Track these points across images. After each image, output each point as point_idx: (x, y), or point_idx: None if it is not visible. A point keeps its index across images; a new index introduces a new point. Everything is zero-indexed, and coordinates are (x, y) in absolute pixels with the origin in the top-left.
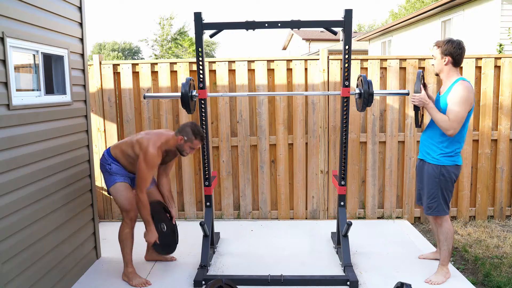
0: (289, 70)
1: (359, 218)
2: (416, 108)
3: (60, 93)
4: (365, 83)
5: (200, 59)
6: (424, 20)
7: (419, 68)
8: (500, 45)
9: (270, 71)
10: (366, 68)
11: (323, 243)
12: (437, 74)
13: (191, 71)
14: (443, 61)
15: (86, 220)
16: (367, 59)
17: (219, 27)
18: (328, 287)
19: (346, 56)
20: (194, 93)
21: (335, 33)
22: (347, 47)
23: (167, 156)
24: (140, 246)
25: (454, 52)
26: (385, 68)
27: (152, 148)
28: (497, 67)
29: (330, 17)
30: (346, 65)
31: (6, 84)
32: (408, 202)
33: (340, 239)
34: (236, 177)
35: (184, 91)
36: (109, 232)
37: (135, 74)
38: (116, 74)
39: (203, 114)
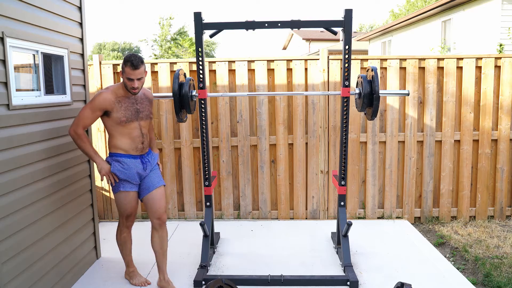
0: (289, 70)
1: (359, 218)
2: None
3: (60, 93)
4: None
5: (200, 59)
6: (424, 20)
7: (419, 68)
8: (500, 45)
9: (270, 71)
10: (366, 68)
11: (323, 243)
12: None
13: (191, 71)
14: None
15: (86, 220)
16: (367, 59)
17: (219, 27)
18: (328, 287)
19: (346, 56)
20: (194, 93)
21: (335, 33)
22: (347, 47)
23: (123, 105)
24: (139, 246)
25: None
26: (385, 68)
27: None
28: (497, 67)
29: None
30: (346, 65)
31: (6, 84)
32: (408, 202)
33: (340, 239)
34: (236, 177)
35: (184, 91)
36: (109, 232)
37: None
38: (116, 74)
39: (203, 114)
